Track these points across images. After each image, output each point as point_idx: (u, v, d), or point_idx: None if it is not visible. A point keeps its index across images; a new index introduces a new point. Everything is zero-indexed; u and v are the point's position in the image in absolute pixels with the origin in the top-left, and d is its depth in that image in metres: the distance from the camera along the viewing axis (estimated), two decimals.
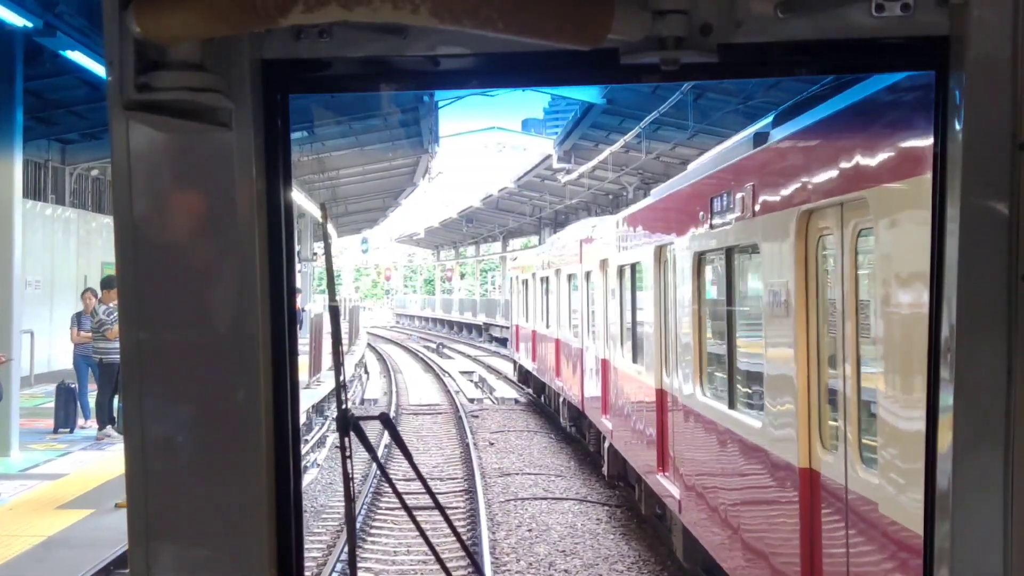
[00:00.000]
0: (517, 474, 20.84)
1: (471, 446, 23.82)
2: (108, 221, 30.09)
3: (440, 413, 31.06)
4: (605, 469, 18.20)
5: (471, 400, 34.38)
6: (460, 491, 19.17)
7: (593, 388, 19.48)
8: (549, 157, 40.52)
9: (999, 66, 2.23)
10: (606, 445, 17.79)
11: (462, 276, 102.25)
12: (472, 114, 64.21)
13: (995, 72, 2.24)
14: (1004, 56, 2.23)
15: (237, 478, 2.44)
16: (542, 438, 25.94)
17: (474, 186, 62.32)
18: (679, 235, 10.91)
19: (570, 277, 23.66)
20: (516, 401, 34.11)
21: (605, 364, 17.80)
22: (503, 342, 63.55)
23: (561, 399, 25.17)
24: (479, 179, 59.48)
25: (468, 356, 55.13)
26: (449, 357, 54.38)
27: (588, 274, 20.46)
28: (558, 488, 19.46)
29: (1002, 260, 2.26)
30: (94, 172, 28.57)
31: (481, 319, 70.24)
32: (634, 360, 14.71)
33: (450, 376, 42.84)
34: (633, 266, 14.77)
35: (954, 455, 2.31)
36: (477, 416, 29.92)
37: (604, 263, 17.89)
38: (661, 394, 12.16)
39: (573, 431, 24.00)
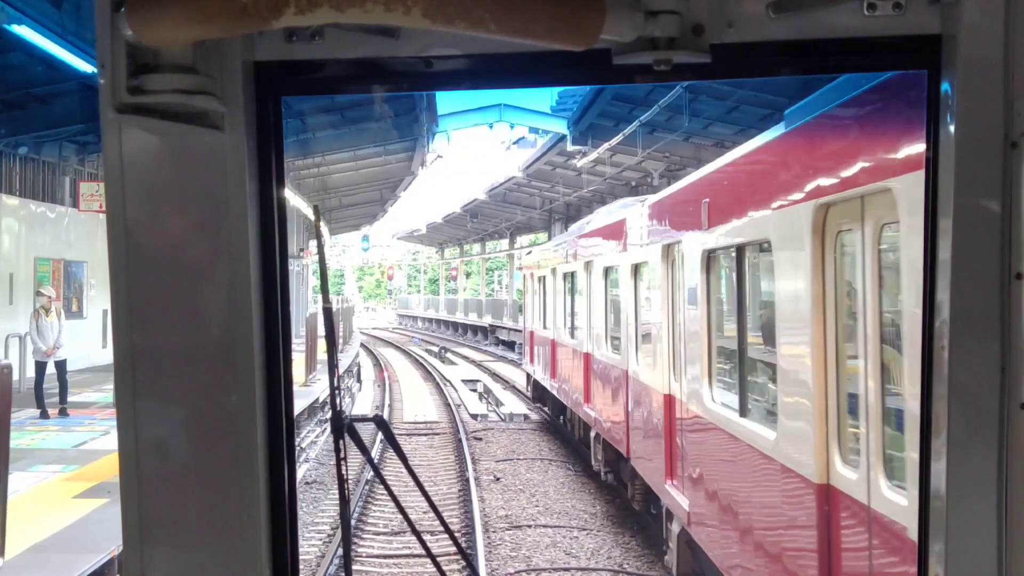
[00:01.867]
0: (529, 526, 16.25)
1: (471, 481, 19.24)
2: (42, 210, 25.58)
3: (438, 433, 26.50)
4: (673, 564, 12.12)
5: (474, 416, 29.81)
6: (455, 554, 14.57)
7: (648, 434, 13.45)
8: (563, 139, 35.86)
9: (991, 65, 2.22)
10: (674, 529, 11.82)
11: (467, 275, 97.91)
12: (474, 101, 59.09)
13: (987, 71, 2.22)
14: (996, 55, 2.22)
15: (231, 480, 2.42)
16: (559, 470, 21.33)
17: (479, 177, 57.63)
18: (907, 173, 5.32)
19: (608, 272, 17.66)
20: (526, 418, 29.53)
21: (673, 404, 11.85)
22: (510, 345, 59.19)
23: (593, 433, 18.92)
24: (484, 167, 54.64)
25: (472, 362, 50.55)
26: (452, 363, 49.83)
27: (638, 267, 14.61)
28: (584, 549, 14.89)
29: (995, 259, 2.26)
30: (22, 149, 24.04)
31: (487, 321, 65.66)
32: (742, 413, 8.85)
33: (452, 386, 38.34)
34: (740, 249, 8.96)
35: (948, 454, 2.30)
36: (480, 438, 25.35)
37: (670, 249, 12.23)
38: (828, 495, 6.43)
39: (610, 478, 17.99)
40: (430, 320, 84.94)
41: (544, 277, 26.73)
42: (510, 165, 46.27)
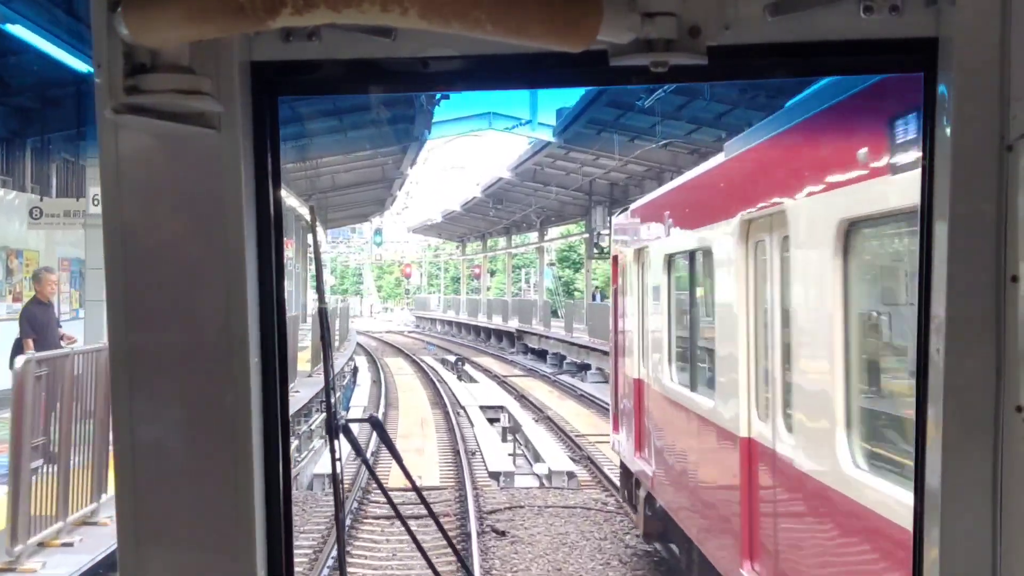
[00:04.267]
0: None
1: None
2: None
3: (435, 514, 16.71)
4: None
5: (495, 477, 20.13)
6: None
7: None
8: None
9: (987, 67, 2.23)
10: None
11: (492, 273, 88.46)
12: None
13: (983, 73, 2.23)
14: (992, 57, 2.23)
15: (227, 481, 2.43)
16: None
17: (503, 151, 47.53)
18: None
19: None
20: (570, 477, 19.85)
21: None
22: (541, 355, 49.48)
23: None
24: (509, 142, 44.70)
25: (495, 377, 40.91)
26: (470, 378, 40.16)
27: None
28: None
29: (990, 261, 2.27)
30: None
31: (513, 325, 55.91)
32: None
33: (466, 417, 28.76)
34: None
35: (943, 455, 2.31)
36: (504, 532, 15.61)
37: None
38: None
39: None
40: (449, 323, 75.32)
41: (690, 256, 11.11)
42: (542, 131, 36.31)
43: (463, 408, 30.65)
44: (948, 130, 2.26)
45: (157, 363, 2.39)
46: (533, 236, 66.29)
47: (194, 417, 2.41)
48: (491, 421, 29.82)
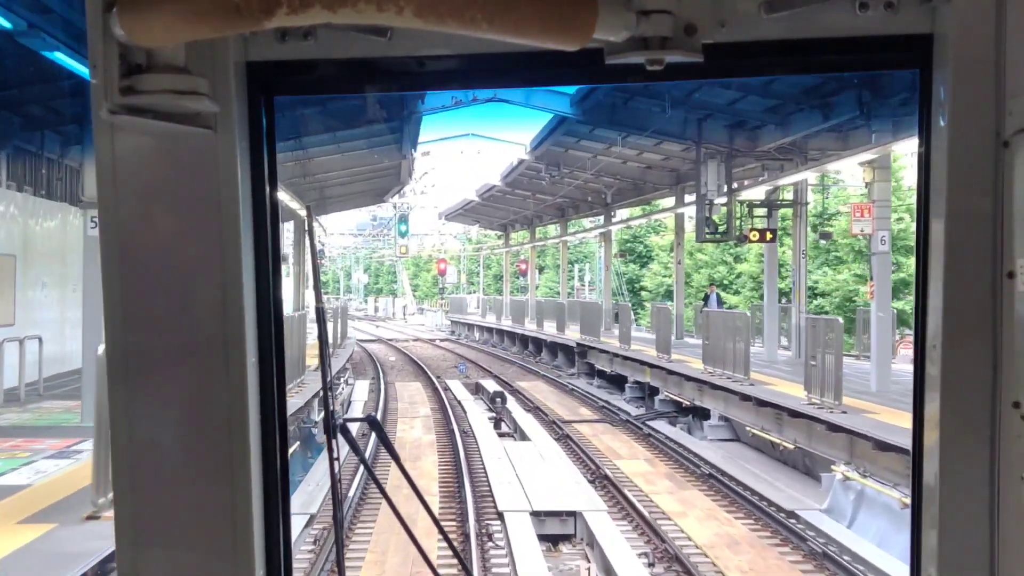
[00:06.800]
0: None
1: None
2: None
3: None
4: None
5: None
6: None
7: None
8: None
9: (983, 64, 2.24)
10: None
11: (540, 270, 73.51)
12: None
13: (979, 70, 2.24)
14: (988, 54, 2.24)
15: (225, 480, 2.45)
16: None
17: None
18: None
19: None
20: None
21: None
22: (615, 381, 34.36)
23: None
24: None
25: (555, 427, 26.09)
26: (515, 429, 25.44)
27: None
28: None
29: (987, 257, 2.28)
30: None
31: (573, 335, 40.83)
32: None
33: (508, 552, 13.96)
34: None
35: (940, 452, 2.32)
36: None
37: None
38: None
39: None
40: (490, 330, 60.34)
41: None
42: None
43: (501, 518, 15.83)
44: (944, 126, 2.28)
45: (154, 363, 2.41)
46: (587, 223, 51.19)
47: (191, 417, 2.43)
48: (554, 541, 15.28)
